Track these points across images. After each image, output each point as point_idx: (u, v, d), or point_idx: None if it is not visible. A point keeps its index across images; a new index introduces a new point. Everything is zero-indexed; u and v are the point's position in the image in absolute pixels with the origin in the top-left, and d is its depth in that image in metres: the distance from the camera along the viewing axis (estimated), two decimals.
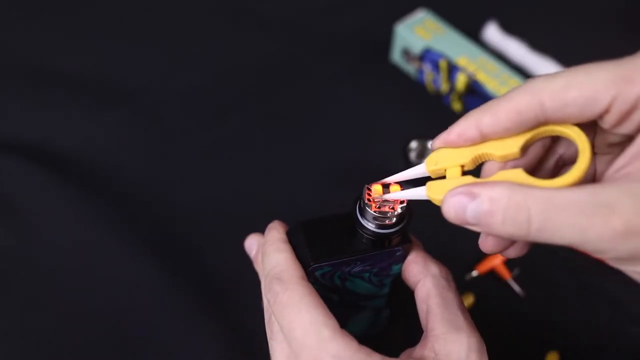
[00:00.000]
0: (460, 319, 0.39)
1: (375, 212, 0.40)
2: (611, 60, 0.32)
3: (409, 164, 0.59)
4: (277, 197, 0.62)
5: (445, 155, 0.37)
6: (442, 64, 0.67)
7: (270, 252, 0.41)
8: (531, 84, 0.33)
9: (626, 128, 0.33)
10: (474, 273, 0.57)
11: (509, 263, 0.58)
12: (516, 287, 0.56)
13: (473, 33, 0.73)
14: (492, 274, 0.57)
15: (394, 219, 0.40)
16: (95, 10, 0.77)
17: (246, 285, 0.56)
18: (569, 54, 0.73)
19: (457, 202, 0.33)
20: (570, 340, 0.54)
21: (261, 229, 0.52)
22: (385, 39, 0.72)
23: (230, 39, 0.74)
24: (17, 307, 0.55)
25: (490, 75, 0.65)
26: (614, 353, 0.54)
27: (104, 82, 0.70)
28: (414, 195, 0.39)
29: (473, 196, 0.33)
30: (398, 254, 0.43)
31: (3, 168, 0.62)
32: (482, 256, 0.58)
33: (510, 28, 0.75)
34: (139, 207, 0.61)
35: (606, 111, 0.32)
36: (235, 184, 0.63)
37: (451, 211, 0.34)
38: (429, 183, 0.37)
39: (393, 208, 0.40)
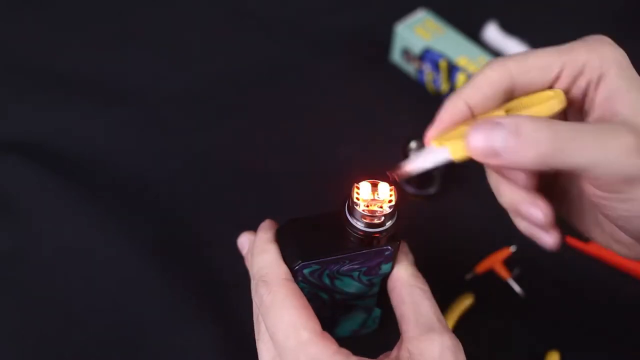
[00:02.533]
0: (432, 321, 0.40)
1: (364, 211, 0.40)
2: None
3: None
4: (277, 197, 0.62)
5: (446, 135, 0.40)
6: (442, 64, 0.67)
7: (256, 254, 0.43)
8: (499, 59, 0.39)
9: (572, 94, 0.39)
10: (474, 273, 0.57)
11: (509, 263, 0.58)
12: (516, 287, 0.56)
13: (473, 33, 0.73)
14: (492, 274, 0.57)
15: (383, 218, 0.40)
16: (95, 10, 0.77)
17: (246, 285, 0.56)
18: None
19: (485, 130, 0.35)
20: (570, 340, 0.54)
21: None
22: (385, 39, 0.72)
23: (230, 39, 0.74)
24: (16, 307, 0.55)
25: None
26: (615, 352, 0.54)
27: (104, 82, 0.70)
28: (436, 161, 0.39)
29: (498, 124, 0.35)
30: (387, 253, 0.42)
31: (3, 168, 0.62)
32: (482, 256, 0.58)
33: (510, 28, 0.75)
34: (139, 207, 0.61)
35: (558, 77, 0.38)
36: (235, 183, 0.63)
37: (479, 140, 0.35)
38: (449, 144, 0.38)
39: (381, 207, 0.40)
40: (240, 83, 0.71)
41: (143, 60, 0.72)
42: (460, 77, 0.66)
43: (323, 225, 0.42)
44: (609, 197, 0.36)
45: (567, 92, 0.39)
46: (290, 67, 0.72)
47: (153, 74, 0.71)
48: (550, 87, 0.39)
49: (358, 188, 0.41)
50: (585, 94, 0.39)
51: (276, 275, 0.41)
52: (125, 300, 0.55)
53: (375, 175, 0.41)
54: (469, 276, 0.57)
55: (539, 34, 0.75)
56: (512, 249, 0.58)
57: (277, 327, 0.39)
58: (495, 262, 0.57)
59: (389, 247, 0.42)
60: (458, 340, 0.40)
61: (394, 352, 0.41)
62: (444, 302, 0.55)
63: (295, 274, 0.42)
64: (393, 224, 0.41)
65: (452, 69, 0.66)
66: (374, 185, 0.41)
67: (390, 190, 0.41)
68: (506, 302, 0.56)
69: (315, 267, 0.42)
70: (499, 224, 0.61)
